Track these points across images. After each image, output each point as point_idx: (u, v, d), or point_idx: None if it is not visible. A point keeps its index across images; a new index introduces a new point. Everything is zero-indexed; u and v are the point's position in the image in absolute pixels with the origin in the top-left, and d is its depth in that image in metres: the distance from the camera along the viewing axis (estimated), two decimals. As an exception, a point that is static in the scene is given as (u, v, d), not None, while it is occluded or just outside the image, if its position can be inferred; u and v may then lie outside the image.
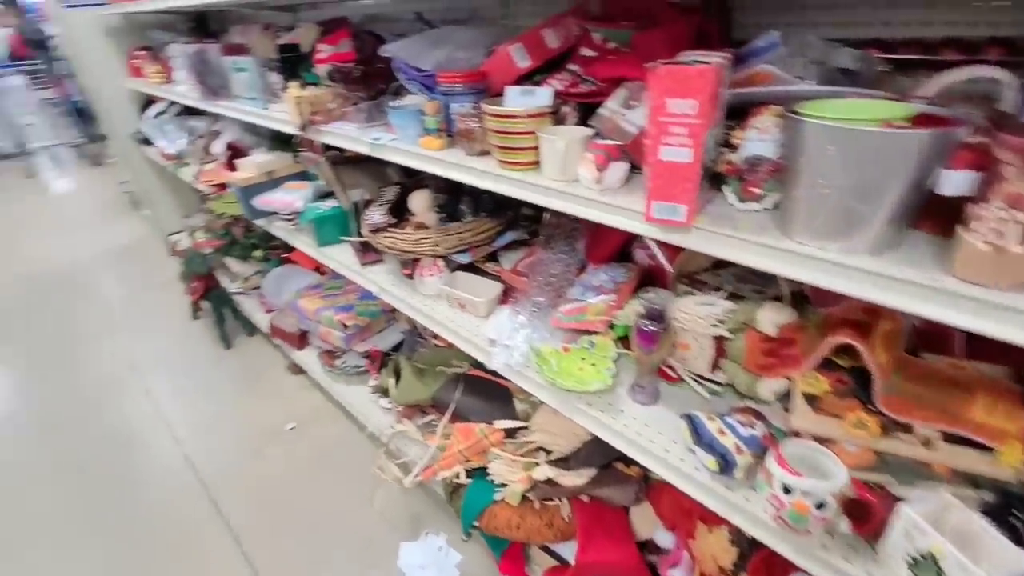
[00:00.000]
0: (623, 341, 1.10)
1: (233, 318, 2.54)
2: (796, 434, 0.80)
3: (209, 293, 2.43)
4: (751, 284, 0.97)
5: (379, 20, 1.79)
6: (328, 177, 1.63)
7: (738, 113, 0.75)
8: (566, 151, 0.87)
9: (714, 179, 0.77)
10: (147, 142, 3.07)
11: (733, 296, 0.93)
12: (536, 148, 0.94)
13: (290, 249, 2.47)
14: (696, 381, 0.97)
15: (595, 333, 1.08)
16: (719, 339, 0.90)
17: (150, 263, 3.48)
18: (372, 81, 1.47)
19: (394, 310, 1.90)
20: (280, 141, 2.22)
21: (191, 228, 3.13)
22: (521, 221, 1.41)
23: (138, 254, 3.66)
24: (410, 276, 1.42)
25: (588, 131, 0.91)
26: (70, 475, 1.91)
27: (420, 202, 1.38)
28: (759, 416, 0.87)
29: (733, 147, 0.74)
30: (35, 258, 3.74)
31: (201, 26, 3.00)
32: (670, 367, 1.00)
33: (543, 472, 1.16)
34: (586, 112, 0.99)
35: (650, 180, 0.71)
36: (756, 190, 0.72)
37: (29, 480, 1.90)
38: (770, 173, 0.71)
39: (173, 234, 3.44)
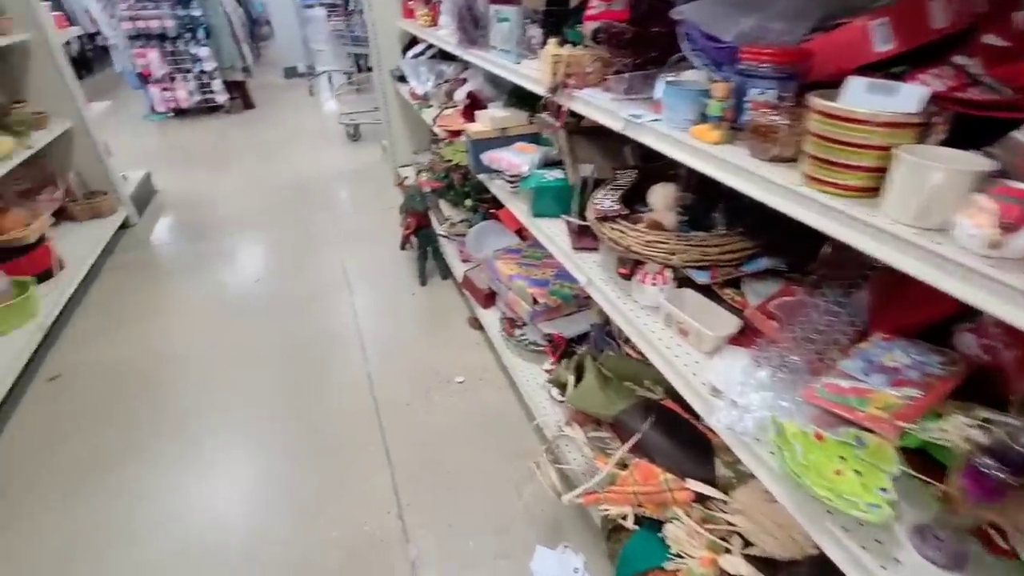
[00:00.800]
0: (911, 456, 0.79)
1: (433, 257, 2.68)
2: None
3: (420, 230, 2.58)
4: None
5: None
6: (563, 147, 1.51)
7: None
8: (943, 186, 0.59)
9: None
10: (402, 79, 3.34)
11: None
12: (878, 169, 0.67)
13: (498, 206, 2.48)
14: (1045, 570, 0.64)
15: (868, 430, 0.79)
16: None
17: (378, 188, 3.89)
18: (643, 47, 1.28)
19: (589, 298, 1.76)
20: (518, 97, 2.17)
21: (418, 165, 3.38)
22: (784, 246, 1.12)
23: (371, 178, 4.12)
24: (626, 277, 1.24)
25: (985, 163, 0.60)
26: (282, 357, 2.24)
27: (662, 197, 1.18)
28: None
29: None
30: (301, 164, 4.47)
31: (474, -27, 3.09)
32: (999, 530, 0.67)
33: (735, 564, 0.93)
34: (964, 131, 0.67)
35: None
36: None
37: (253, 353, 2.27)
38: None
39: (402, 167, 3.77)
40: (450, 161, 2.44)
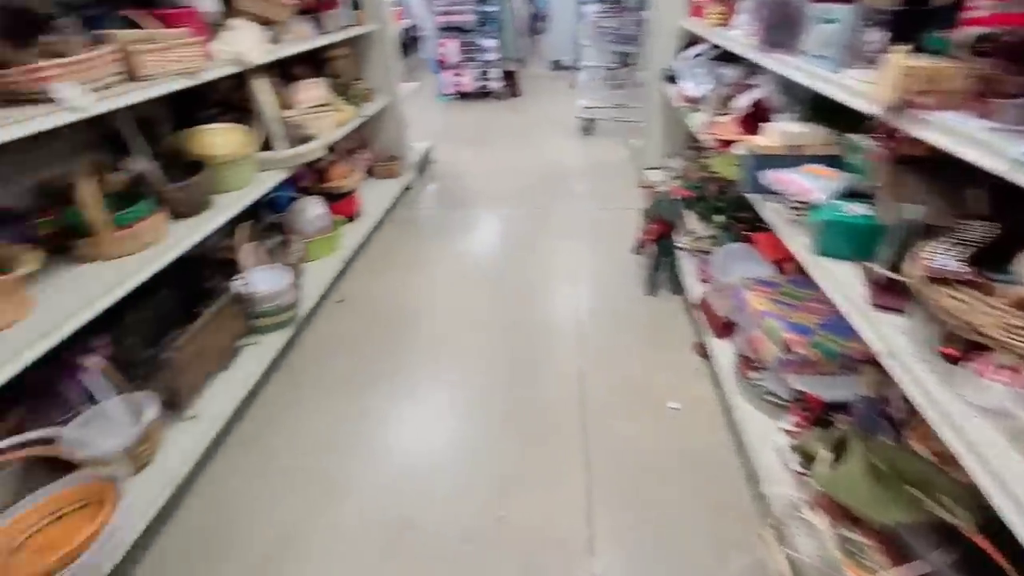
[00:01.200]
0: None
1: (667, 269, 2.55)
2: None
3: (660, 239, 2.47)
4: None
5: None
6: (883, 178, 1.24)
7: None
8: None
9: None
10: (671, 80, 3.22)
11: None
12: None
13: (754, 228, 2.22)
14: None
15: None
16: None
17: (616, 186, 3.87)
18: (1057, 63, 0.95)
19: (864, 362, 1.44)
20: (816, 111, 1.88)
21: (668, 170, 3.24)
22: None
23: (609, 175, 4.13)
24: (952, 360, 0.96)
25: None
26: (505, 330, 2.39)
27: (1047, 269, 0.86)
28: None
29: None
30: (548, 152, 4.72)
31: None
32: None
33: None
34: None
35: None
36: None
37: (481, 320, 2.48)
38: None
39: (649, 169, 3.68)
40: (715, 172, 2.26)
